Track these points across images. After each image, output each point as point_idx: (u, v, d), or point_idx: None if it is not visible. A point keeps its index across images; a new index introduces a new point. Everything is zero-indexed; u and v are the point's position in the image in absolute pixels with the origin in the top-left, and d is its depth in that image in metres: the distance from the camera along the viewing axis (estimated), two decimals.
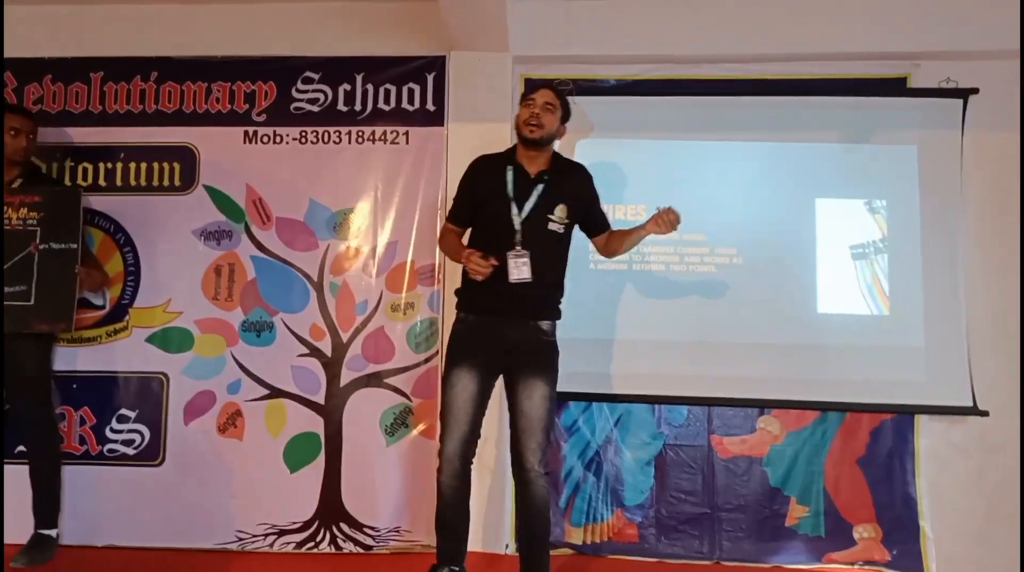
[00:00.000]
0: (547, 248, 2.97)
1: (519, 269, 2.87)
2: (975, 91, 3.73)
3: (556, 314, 3.03)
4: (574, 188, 3.05)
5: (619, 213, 3.83)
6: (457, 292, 3.06)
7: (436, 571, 2.94)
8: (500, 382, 3.03)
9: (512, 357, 2.94)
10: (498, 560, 3.53)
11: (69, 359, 3.72)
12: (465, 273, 2.98)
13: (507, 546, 3.59)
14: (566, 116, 3.06)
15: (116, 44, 3.90)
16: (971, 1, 3.65)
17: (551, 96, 2.99)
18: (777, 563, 3.60)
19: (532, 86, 3.08)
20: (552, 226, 2.96)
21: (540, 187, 2.95)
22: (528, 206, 2.94)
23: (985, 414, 3.61)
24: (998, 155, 3.74)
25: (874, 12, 3.70)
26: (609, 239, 3.16)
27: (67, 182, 3.80)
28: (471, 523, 3.08)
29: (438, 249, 3.64)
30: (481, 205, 3.01)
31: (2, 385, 3.32)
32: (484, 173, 3.05)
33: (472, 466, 2.96)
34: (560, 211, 2.97)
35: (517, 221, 2.92)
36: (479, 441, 2.99)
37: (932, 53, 3.73)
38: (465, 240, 3.11)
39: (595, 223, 3.13)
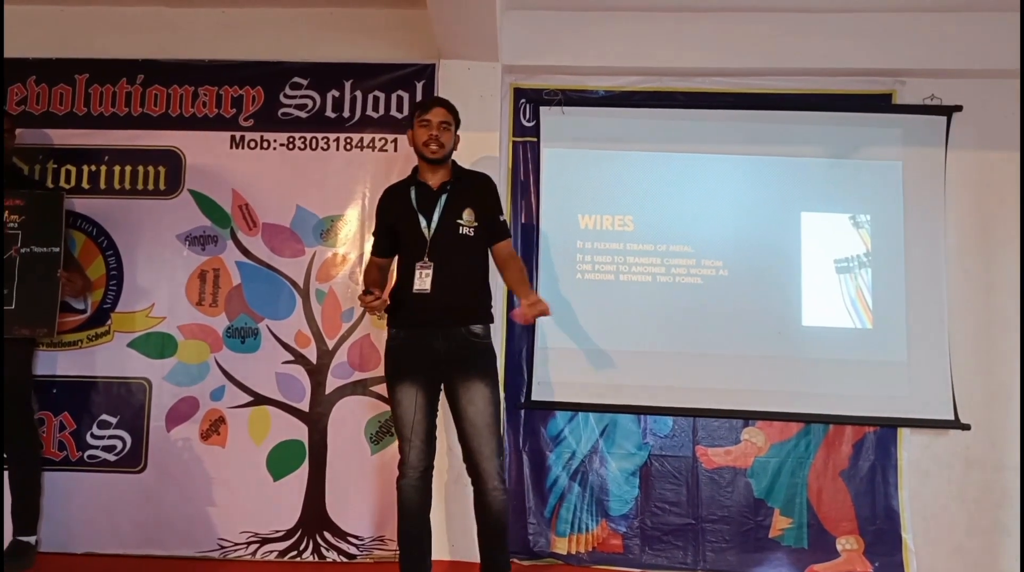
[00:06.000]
0: (463, 254, 3.02)
1: (421, 280, 2.93)
2: (959, 108, 3.78)
3: (487, 318, 3.06)
4: (476, 193, 3.09)
5: (606, 223, 3.85)
6: (387, 309, 3.08)
7: None
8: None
9: (447, 366, 2.95)
10: (470, 568, 3.51)
11: (49, 363, 3.68)
12: (393, 290, 3.08)
13: None
14: (458, 126, 3.13)
15: (102, 46, 3.87)
16: (956, 20, 3.70)
17: (445, 114, 3.06)
18: None
19: (424, 103, 3.15)
20: (463, 230, 3.00)
21: (444, 197, 3.03)
22: (436, 216, 3.00)
23: (967, 428, 3.65)
24: (981, 171, 3.80)
25: (861, 29, 3.74)
26: (507, 265, 3.12)
27: (49, 184, 3.75)
28: (448, 532, 3.04)
29: None
30: (396, 229, 3.07)
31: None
32: (392, 200, 3.14)
33: (433, 474, 3.01)
34: (467, 214, 3.03)
35: (428, 233, 2.98)
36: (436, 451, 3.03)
37: (917, 71, 3.78)
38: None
39: (492, 231, 3.10)
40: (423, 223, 2.99)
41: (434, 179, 3.06)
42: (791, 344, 3.74)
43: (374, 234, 3.23)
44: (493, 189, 3.15)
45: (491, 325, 3.06)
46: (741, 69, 3.82)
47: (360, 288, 3.68)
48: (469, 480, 2.96)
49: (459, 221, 3.00)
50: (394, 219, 3.08)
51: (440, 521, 3.55)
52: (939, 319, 3.72)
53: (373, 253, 3.20)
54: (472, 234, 3.02)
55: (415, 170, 3.13)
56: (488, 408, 2.91)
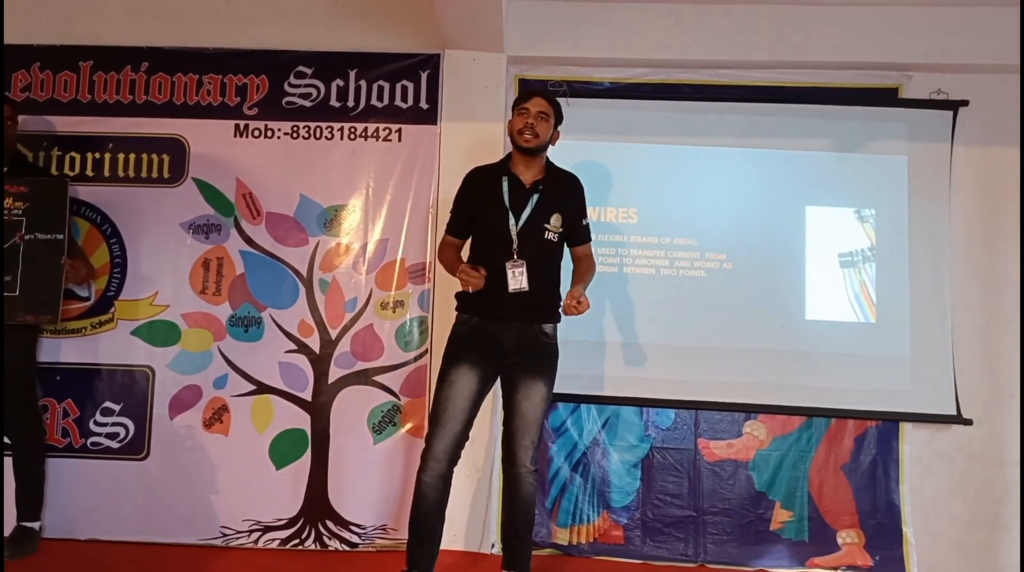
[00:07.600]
0: (543, 256, 3.02)
1: (516, 279, 2.92)
2: (965, 103, 3.77)
3: (557, 317, 3.07)
4: (566, 197, 3.09)
5: (610, 215, 3.85)
6: (459, 295, 3.07)
7: None
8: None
9: (513, 359, 2.97)
10: (481, 559, 3.53)
11: (52, 351, 3.67)
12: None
13: (493, 546, 3.58)
14: (559, 121, 3.09)
15: (106, 33, 3.85)
16: (963, 15, 3.68)
17: (544, 105, 3.02)
18: (761, 567, 3.62)
19: (525, 93, 3.11)
20: (548, 235, 3.00)
21: (535, 197, 3.00)
22: (524, 215, 2.98)
23: (969, 423, 3.66)
24: (987, 167, 3.79)
25: (868, 23, 3.73)
26: (580, 262, 3.16)
27: (53, 171, 3.74)
28: (456, 522, 3.05)
29: (429, 249, 3.70)
30: (478, 216, 3.05)
31: (2, 377, 3.26)
32: (479, 184, 3.09)
33: (455, 469, 2.99)
34: (555, 220, 3.02)
35: (514, 231, 2.96)
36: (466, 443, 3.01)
37: (924, 65, 3.76)
38: (465, 251, 3.16)
39: (577, 234, 3.14)
40: (511, 220, 2.97)
41: (527, 174, 3.03)
42: (794, 338, 3.74)
43: (452, 212, 3.16)
44: (581, 192, 3.15)
45: (558, 325, 3.08)
46: (747, 62, 3.81)
47: (364, 276, 3.70)
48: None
49: (546, 225, 3.00)
50: (479, 205, 3.05)
51: (448, 510, 3.55)
52: (942, 314, 3.71)
53: (448, 233, 3.16)
54: (555, 239, 3.03)
55: (508, 157, 3.10)
56: (541, 405, 2.97)
